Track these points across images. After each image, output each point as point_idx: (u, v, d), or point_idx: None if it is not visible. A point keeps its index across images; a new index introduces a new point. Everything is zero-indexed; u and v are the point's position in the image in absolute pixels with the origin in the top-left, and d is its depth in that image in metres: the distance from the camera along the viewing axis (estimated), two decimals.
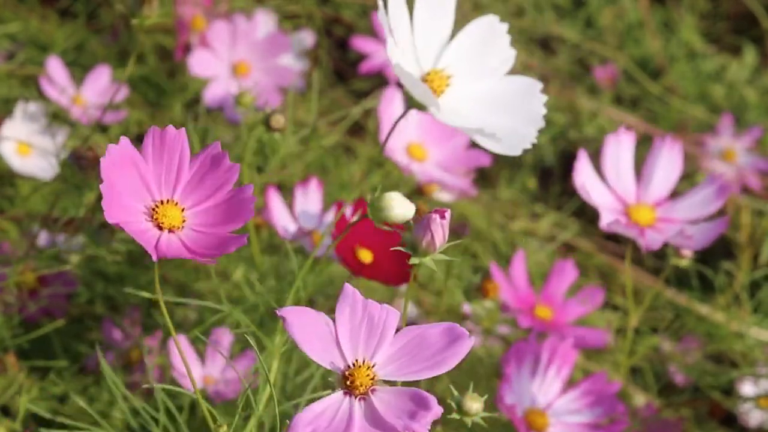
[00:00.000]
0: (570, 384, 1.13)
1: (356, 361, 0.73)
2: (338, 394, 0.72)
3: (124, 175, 0.72)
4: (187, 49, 1.46)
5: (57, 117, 1.37)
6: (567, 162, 1.65)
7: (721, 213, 1.08)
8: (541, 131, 0.91)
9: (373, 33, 1.61)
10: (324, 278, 1.14)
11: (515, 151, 0.87)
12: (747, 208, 1.53)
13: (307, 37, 1.60)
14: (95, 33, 1.63)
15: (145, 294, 0.81)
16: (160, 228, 0.74)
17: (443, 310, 1.31)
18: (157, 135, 0.74)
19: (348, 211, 1.10)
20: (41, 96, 1.38)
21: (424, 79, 0.90)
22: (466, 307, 1.20)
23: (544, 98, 0.91)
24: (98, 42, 1.60)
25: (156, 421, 0.94)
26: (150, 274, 1.31)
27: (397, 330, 0.75)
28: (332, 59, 1.77)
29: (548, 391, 1.10)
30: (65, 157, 1.06)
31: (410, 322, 1.12)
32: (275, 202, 1.17)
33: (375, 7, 1.74)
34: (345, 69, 1.78)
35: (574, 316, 1.28)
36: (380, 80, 1.62)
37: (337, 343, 0.73)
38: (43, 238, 1.18)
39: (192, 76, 1.46)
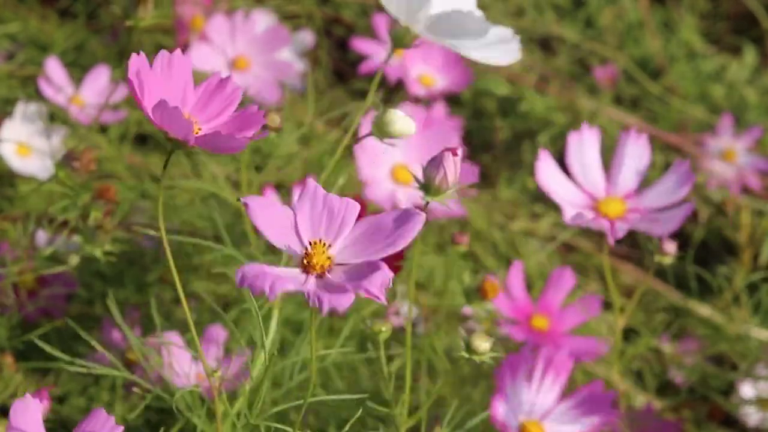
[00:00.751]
0: (566, 393, 1.12)
1: (313, 241, 0.74)
2: (295, 270, 0.74)
3: (148, 81, 0.77)
4: (186, 48, 1.46)
5: (57, 117, 1.36)
6: None
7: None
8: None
9: (373, 33, 1.61)
10: None
11: (510, 59, 0.91)
12: (747, 208, 1.53)
13: (307, 38, 1.60)
14: (95, 33, 1.63)
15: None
16: None
17: (443, 312, 1.31)
18: (165, 57, 0.78)
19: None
20: (41, 96, 1.38)
21: None
22: (467, 309, 1.20)
23: (518, 39, 0.95)
24: (98, 42, 1.61)
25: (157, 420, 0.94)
26: (149, 275, 1.31)
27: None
28: (332, 59, 1.77)
29: (544, 401, 1.10)
30: (59, 158, 1.06)
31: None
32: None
33: (374, 8, 1.74)
34: (345, 69, 1.78)
35: (571, 324, 1.27)
36: (380, 80, 1.62)
37: (296, 231, 0.75)
38: (41, 238, 1.18)
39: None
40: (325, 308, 0.70)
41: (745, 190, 1.67)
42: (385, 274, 0.71)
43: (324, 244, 0.74)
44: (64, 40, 1.57)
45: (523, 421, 1.08)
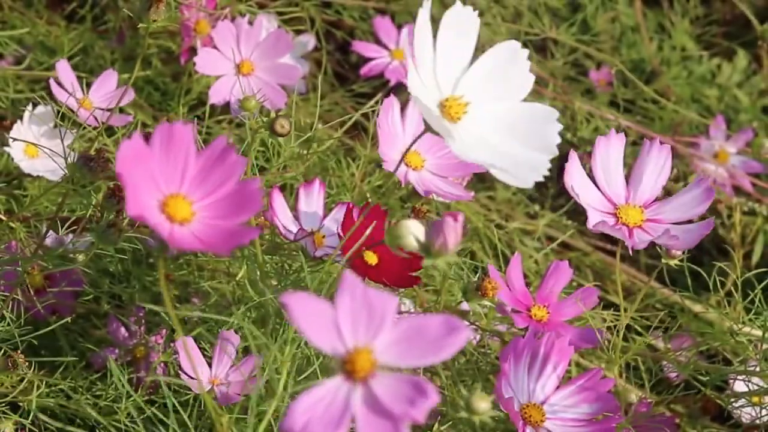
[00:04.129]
0: (566, 380, 1.14)
1: (357, 345, 0.72)
2: (336, 379, 0.72)
3: (138, 170, 0.73)
4: (191, 52, 1.48)
5: (65, 119, 1.38)
6: (563, 164, 1.67)
7: (712, 213, 1.09)
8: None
9: (374, 36, 1.63)
10: (327, 278, 1.15)
11: (527, 184, 0.89)
12: (739, 208, 1.56)
13: (309, 41, 1.62)
14: (101, 37, 1.64)
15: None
16: (171, 221, 0.74)
17: (442, 309, 1.32)
18: (165, 130, 0.75)
19: (355, 213, 1.12)
20: (49, 99, 1.39)
21: (442, 105, 0.91)
22: (465, 306, 1.22)
23: (560, 127, 0.93)
24: (104, 46, 1.62)
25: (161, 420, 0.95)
26: (155, 273, 1.32)
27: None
28: (333, 62, 1.79)
29: (545, 386, 1.11)
30: (74, 159, 1.08)
31: None
32: (278, 202, 1.18)
33: (375, 11, 1.76)
34: (346, 72, 1.80)
35: (569, 315, 1.29)
36: (381, 83, 1.64)
37: (338, 329, 0.72)
38: (50, 238, 1.19)
39: (196, 78, 1.47)
40: None
41: (737, 190, 1.69)
42: (434, 400, 0.70)
43: (369, 350, 0.72)
44: (70, 43, 1.58)
45: (525, 403, 1.10)
